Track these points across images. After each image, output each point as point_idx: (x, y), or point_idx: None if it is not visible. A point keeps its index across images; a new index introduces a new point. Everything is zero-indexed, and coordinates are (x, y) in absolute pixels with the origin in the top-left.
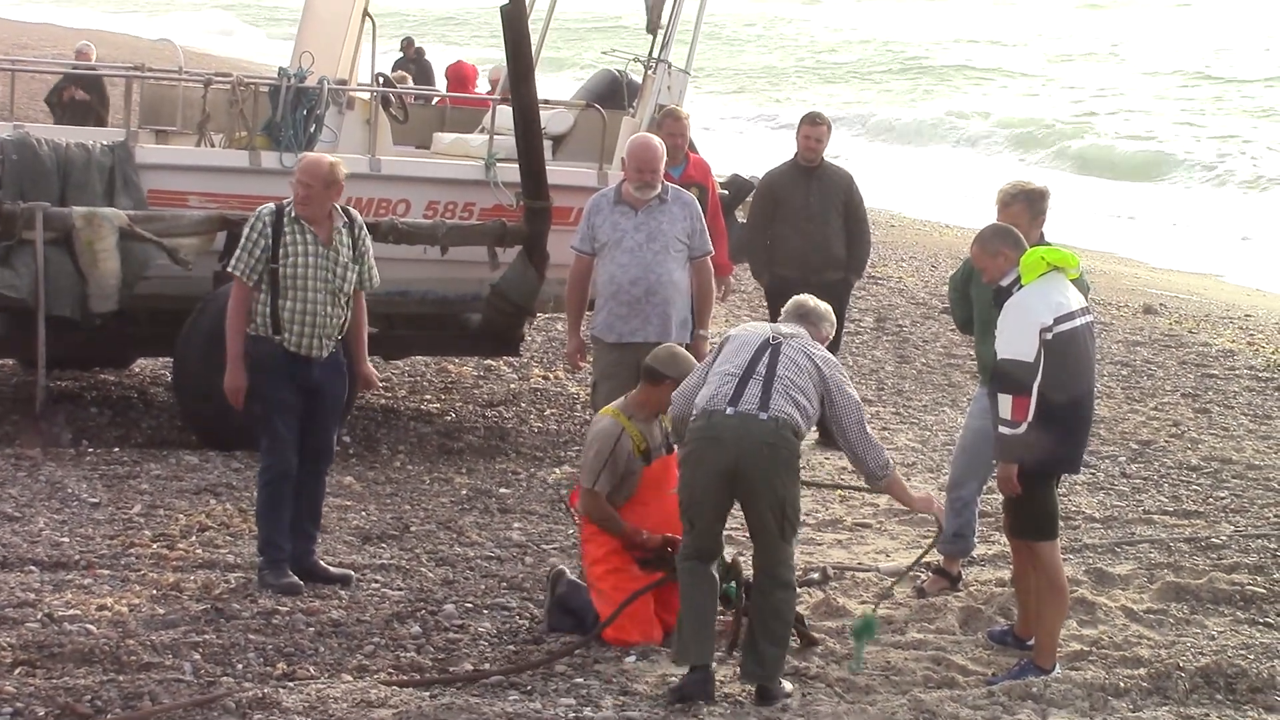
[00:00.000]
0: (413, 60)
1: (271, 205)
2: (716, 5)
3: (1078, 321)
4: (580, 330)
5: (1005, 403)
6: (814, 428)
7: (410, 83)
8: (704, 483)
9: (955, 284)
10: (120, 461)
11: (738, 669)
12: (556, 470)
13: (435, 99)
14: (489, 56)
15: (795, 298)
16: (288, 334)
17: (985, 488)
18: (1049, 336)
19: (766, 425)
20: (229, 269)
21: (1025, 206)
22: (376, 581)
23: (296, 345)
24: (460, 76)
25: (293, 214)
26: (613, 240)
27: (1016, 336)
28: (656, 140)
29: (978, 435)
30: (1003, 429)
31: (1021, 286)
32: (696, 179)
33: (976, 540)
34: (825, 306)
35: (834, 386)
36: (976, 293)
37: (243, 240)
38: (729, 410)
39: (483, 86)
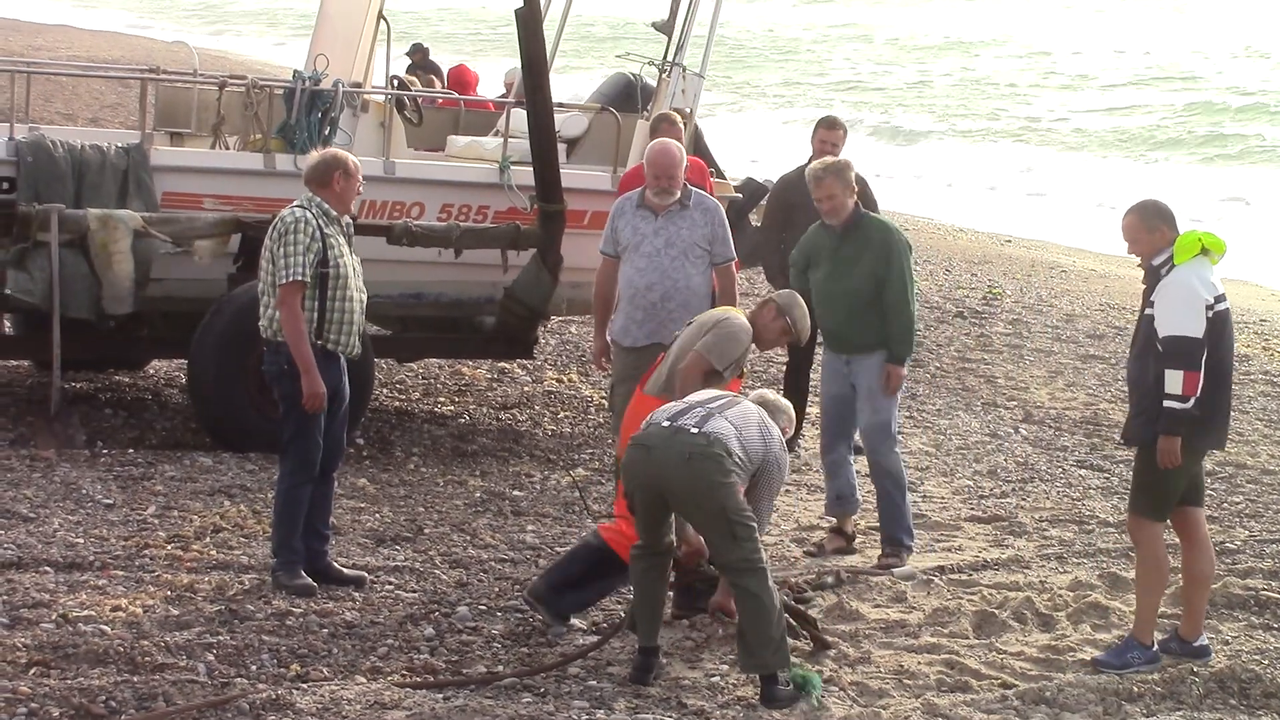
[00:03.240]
0: (420, 66)
1: (301, 210)
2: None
3: (1226, 304)
4: (606, 332)
5: (1175, 378)
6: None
7: (420, 85)
8: (633, 488)
9: (797, 263)
10: (135, 463)
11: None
12: (570, 473)
13: (441, 100)
14: (494, 62)
15: (758, 392)
16: (333, 335)
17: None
18: (1210, 315)
19: (695, 439)
20: (291, 278)
21: (834, 179)
22: (390, 583)
23: (343, 346)
24: (462, 81)
25: (333, 214)
26: (632, 244)
27: (1185, 314)
28: (675, 145)
29: (836, 401)
30: (1170, 403)
31: (1173, 266)
32: (692, 181)
33: (861, 498)
34: (785, 402)
35: (769, 464)
36: (815, 269)
37: (293, 246)
38: (665, 423)
39: (494, 90)
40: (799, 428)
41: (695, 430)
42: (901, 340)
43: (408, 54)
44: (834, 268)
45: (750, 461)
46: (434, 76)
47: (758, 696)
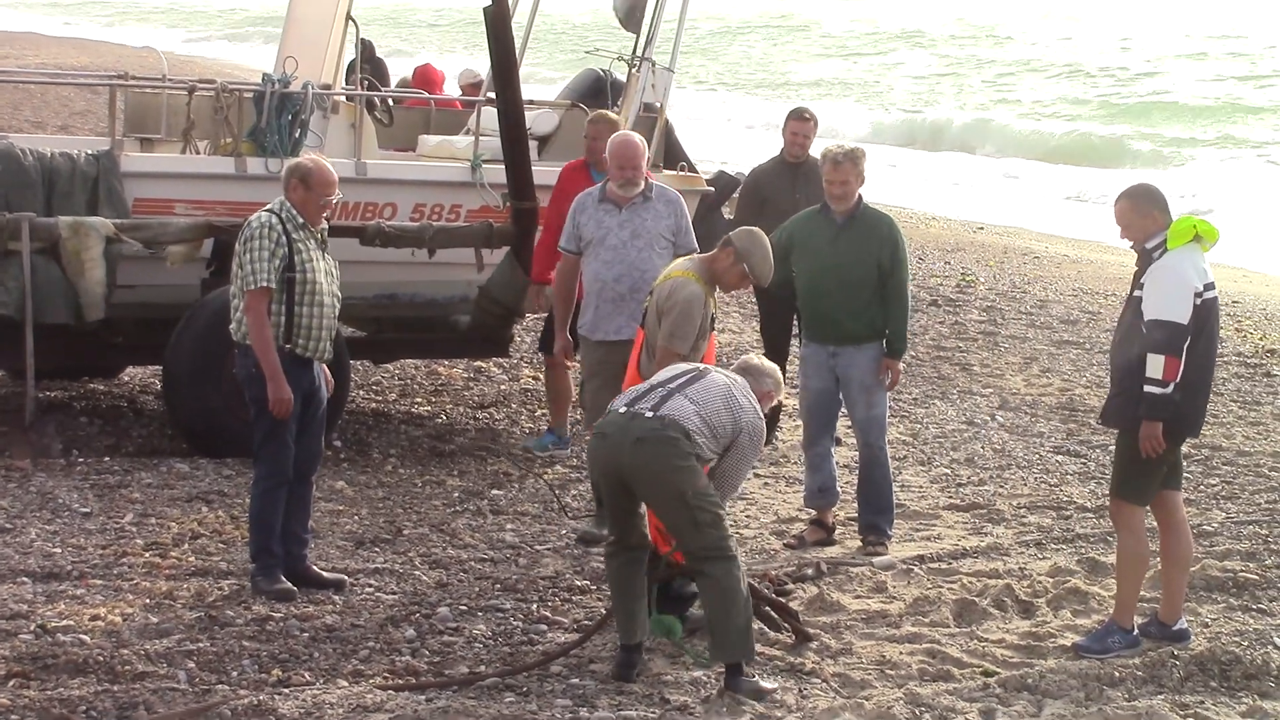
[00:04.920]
0: (367, 61)
1: (268, 215)
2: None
3: (1215, 292)
4: (567, 329)
5: (1156, 363)
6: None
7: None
8: (596, 476)
9: (773, 248)
10: (111, 471)
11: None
12: (548, 471)
13: (406, 100)
14: (458, 61)
15: (743, 358)
16: (302, 340)
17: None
18: (1198, 302)
19: (649, 423)
20: (254, 284)
21: (851, 166)
22: (370, 586)
23: (314, 351)
24: (428, 80)
25: (300, 220)
26: (597, 238)
27: (1173, 299)
28: (636, 137)
29: (821, 395)
30: (1151, 388)
31: (1166, 251)
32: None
33: (840, 490)
34: (771, 365)
35: (741, 442)
36: (806, 256)
37: (257, 252)
38: (622, 408)
39: (450, 90)
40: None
41: (650, 414)
42: (903, 335)
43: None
44: (832, 256)
45: (716, 437)
46: (385, 73)
47: (720, 686)
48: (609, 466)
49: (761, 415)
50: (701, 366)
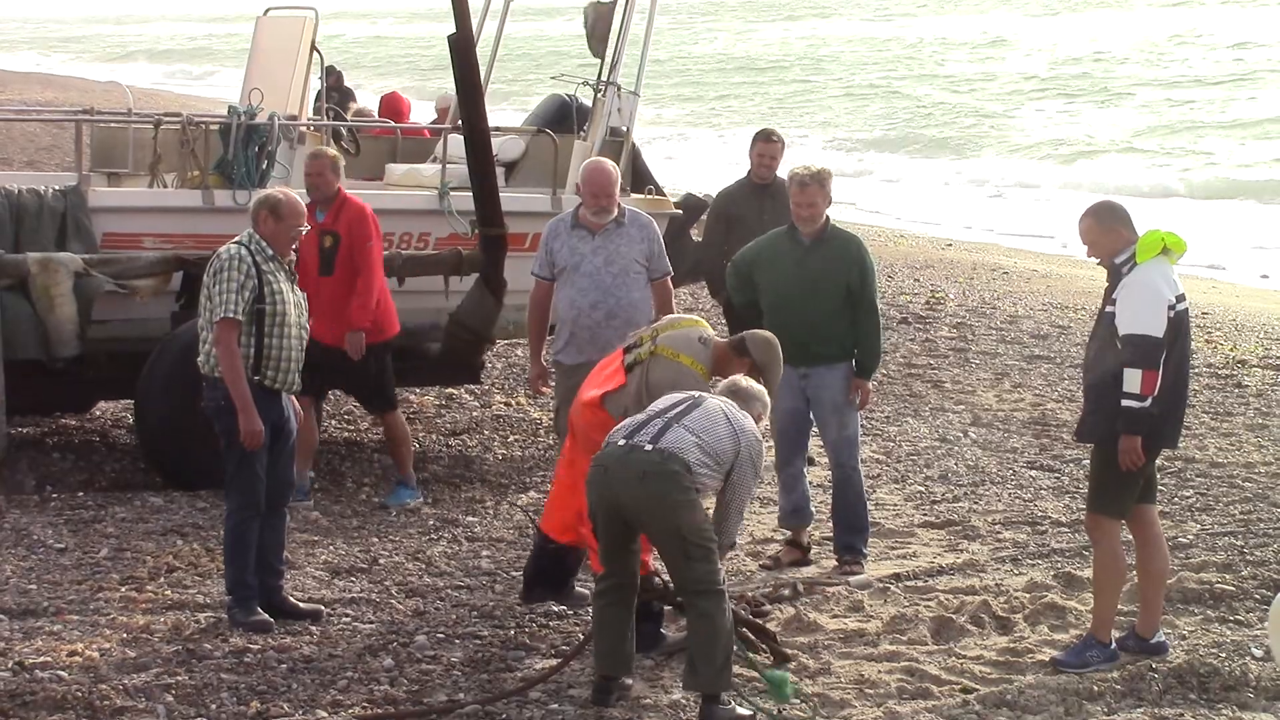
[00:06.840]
0: (334, 89)
1: (237, 247)
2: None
3: (1186, 303)
4: (542, 356)
5: (1134, 377)
6: None
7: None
8: (594, 510)
9: (739, 269)
10: (85, 506)
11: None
12: (523, 496)
13: (373, 129)
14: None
15: (729, 379)
16: (271, 372)
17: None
18: (1171, 314)
19: (650, 457)
20: (223, 314)
21: (819, 188)
22: (347, 616)
23: (283, 383)
24: (394, 109)
25: (269, 252)
26: (571, 265)
27: (1147, 313)
28: (609, 164)
29: (792, 415)
30: (1129, 403)
31: (1135, 265)
32: (332, 227)
33: (814, 509)
34: (758, 387)
35: (742, 461)
36: (774, 278)
37: (226, 283)
38: (621, 441)
39: (427, 116)
40: None
41: (650, 447)
42: (874, 355)
43: (319, 77)
44: (800, 278)
45: (720, 464)
46: (351, 102)
47: (697, 715)
48: (608, 500)
49: (759, 438)
50: (696, 394)
